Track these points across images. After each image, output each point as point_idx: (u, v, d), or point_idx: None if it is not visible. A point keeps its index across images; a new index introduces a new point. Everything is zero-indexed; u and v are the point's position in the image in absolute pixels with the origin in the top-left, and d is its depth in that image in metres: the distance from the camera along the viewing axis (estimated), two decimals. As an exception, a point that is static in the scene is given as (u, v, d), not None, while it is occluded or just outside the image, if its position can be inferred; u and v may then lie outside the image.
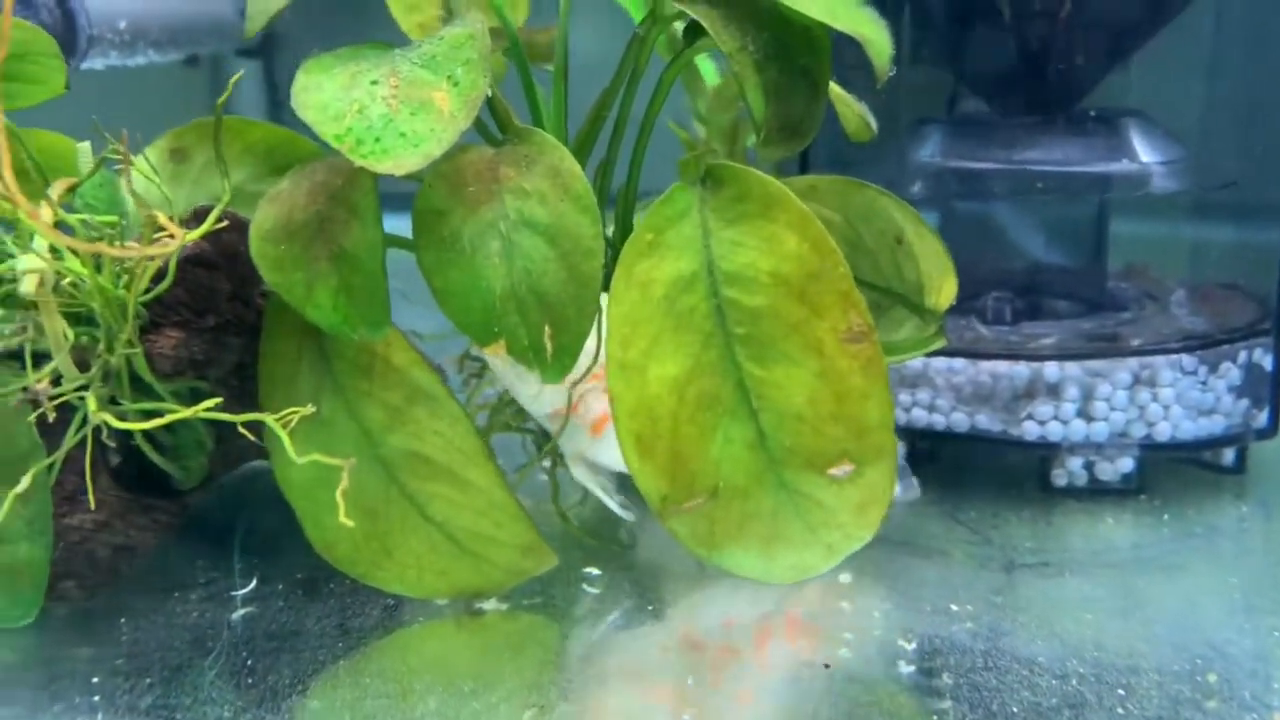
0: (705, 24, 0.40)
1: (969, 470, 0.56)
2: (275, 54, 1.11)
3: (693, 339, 0.39)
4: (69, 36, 0.70)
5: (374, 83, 0.39)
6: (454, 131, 0.39)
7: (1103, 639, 0.41)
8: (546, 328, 0.39)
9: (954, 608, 0.43)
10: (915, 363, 0.55)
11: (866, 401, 0.38)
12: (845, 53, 0.44)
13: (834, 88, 0.52)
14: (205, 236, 0.46)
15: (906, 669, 0.39)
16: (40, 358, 0.46)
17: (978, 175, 0.59)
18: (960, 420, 0.55)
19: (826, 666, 0.39)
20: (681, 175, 0.42)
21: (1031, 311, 0.60)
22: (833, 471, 0.38)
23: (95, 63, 0.75)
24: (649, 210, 0.41)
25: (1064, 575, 0.46)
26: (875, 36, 0.41)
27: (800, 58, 0.42)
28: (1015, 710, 0.36)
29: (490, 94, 0.46)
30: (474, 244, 0.40)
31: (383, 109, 0.38)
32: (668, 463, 0.39)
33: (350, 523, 0.39)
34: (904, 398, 0.56)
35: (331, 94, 0.39)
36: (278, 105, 1.14)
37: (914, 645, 0.40)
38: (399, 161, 0.37)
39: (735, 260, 0.40)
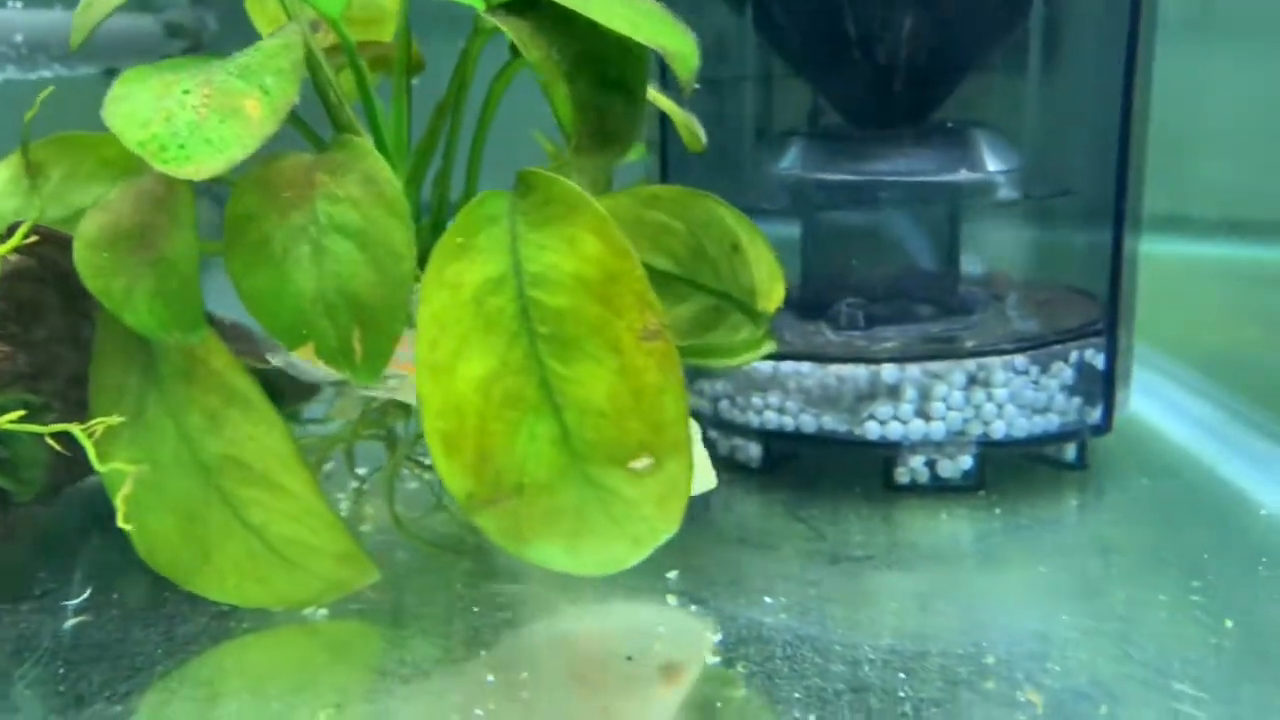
0: (512, 35, 0.41)
1: (821, 471, 0.58)
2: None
3: (499, 339, 0.40)
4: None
5: (186, 92, 0.40)
6: (259, 138, 0.39)
7: (901, 626, 0.42)
8: (356, 330, 0.40)
9: (768, 600, 0.44)
10: (765, 366, 0.57)
11: (663, 396, 0.39)
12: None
13: (665, 100, 0.54)
14: (30, 252, 0.46)
15: (711, 660, 0.40)
16: None
17: (834, 186, 0.61)
18: (808, 422, 0.56)
19: (629, 659, 0.39)
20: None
21: (886, 318, 0.62)
22: (633, 465, 0.39)
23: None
24: (460, 213, 0.42)
25: (883, 569, 0.47)
26: (679, 48, 0.42)
27: (614, 69, 0.44)
28: (798, 695, 0.37)
29: (338, 104, 0.47)
30: (284, 248, 0.40)
31: (191, 116, 0.39)
32: (474, 460, 0.40)
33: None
34: (756, 400, 0.57)
35: (142, 102, 0.39)
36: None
37: (720, 637, 0.41)
38: (200, 167, 0.38)
39: (540, 262, 0.41)
